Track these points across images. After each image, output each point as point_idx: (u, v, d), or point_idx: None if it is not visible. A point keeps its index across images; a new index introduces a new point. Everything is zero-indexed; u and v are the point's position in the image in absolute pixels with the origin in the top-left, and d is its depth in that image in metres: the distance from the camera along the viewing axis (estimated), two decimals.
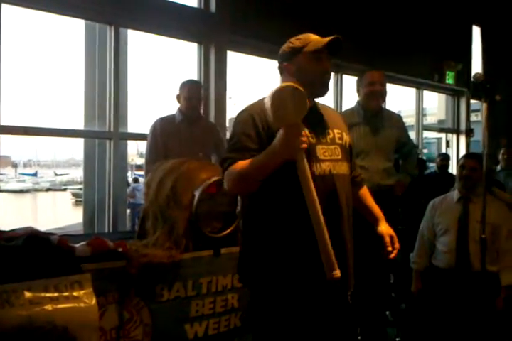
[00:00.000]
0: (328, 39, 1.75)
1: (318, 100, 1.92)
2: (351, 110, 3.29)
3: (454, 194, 3.03)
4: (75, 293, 1.83)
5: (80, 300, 1.83)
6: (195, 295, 2.41)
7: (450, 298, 2.87)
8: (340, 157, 1.81)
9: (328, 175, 1.75)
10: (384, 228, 1.95)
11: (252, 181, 1.64)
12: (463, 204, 2.93)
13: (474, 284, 2.76)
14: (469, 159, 3.00)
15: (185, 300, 2.37)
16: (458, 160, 7.78)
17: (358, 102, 3.28)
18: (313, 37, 1.82)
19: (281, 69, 1.88)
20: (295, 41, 1.83)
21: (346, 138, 1.89)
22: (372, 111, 3.20)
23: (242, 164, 1.63)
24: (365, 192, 2.07)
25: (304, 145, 1.57)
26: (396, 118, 3.42)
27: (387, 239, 1.91)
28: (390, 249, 1.90)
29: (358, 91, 3.29)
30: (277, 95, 1.56)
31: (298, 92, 1.57)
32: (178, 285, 2.34)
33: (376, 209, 2.03)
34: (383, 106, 3.39)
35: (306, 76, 1.78)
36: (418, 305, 3.25)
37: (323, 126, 1.83)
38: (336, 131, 1.85)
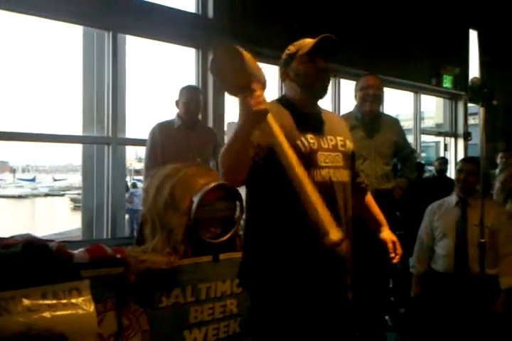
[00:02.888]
0: (316, 40, 1.76)
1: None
2: (349, 114, 3.30)
3: (452, 198, 3.03)
4: (73, 300, 1.82)
5: (79, 307, 1.82)
6: (194, 301, 2.40)
7: (449, 302, 2.87)
8: (341, 164, 1.81)
9: (328, 181, 1.75)
10: (387, 234, 1.97)
11: (235, 155, 1.55)
12: (461, 208, 2.94)
13: (473, 288, 2.75)
14: (467, 163, 3.01)
15: (184, 306, 2.36)
16: (456, 164, 7.83)
17: (356, 106, 3.30)
18: (308, 40, 1.82)
19: (282, 76, 1.90)
20: (291, 47, 1.85)
21: (349, 145, 1.88)
22: (369, 115, 3.21)
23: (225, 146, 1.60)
24: (369, 198, 2.08)
25: (260, 107, 1.45)
26: (393, 123, 3.44)
27: (390, 245, 1.93)
28: (392, 255, 1.92)
29: (355, 95, 3.31)
30: (213, 63, 1.48)
31: (233, 53, 1.44)
32: (176, 292, 2.33)
33: (379, 216, 2.05)
34: (381, 110, 3.40)
35: (302, 79, 1.79)
36: (417, 310, 3.24)
37: (326, 132, 1.82)
38: (339, 138, 1.85)
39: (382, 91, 3.30)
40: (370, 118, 3.22)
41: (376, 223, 2.02)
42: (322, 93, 1.85)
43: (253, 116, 1.46)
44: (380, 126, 3.24)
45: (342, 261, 1.77)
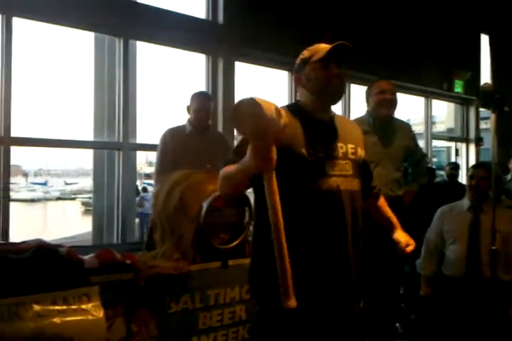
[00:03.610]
0: (330, 46, 1.75)
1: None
2: (360, 119, 3.28)
3: (464, 202, 3.01)
4: (83, 306, 1.83)
5: (88, 312, 1.83)
6: (202, 307, 2.40)
7: (461, 307, 2.84)
8: (350, 172, 1.78)
9: (336, 191, 1.72)
10: (400, 235, 1.96)
11: (230, 184, 1.65)
12: (473, 213, 2.91)
13: (485, 293, 2.73)
14: (478, 169, 2.99)
15: (192, 312, 2.37)
16: (467, 170, 7.77)
17: (368, 112, 3.28)
18: (322, 46, 1.81)
19: (295, 81, 1.89)
20: (305, 52, 1.84)
21: (361, 152, 1.85)
22: (382, 120, 3.20)
23: (228, 167, 1.64)
24: (382, 203, 2.06)
25: (270, 163, 1.45)
26: (406, 128, 3.42)
27: (403, 243, 1.91)
28: (403, 246, 1.91)
29: (367, 100, 3.30)
30: (233, 112, 1.49)
31: (254, 105, 1.43)
32: (185, 297, 2.34)
33: (393, 219, 2.03)
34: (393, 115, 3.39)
35: (314, 85, 1.78)
36: (428, 316, 3.22)
37: (336, 139, 1.80)
38: (349, 145, 1.82)
39: (396, 96, 3.30)
40: (382, 123, 3.20)
41: (390, 226, 2.01)
42: (334, 99, 1.83)
43: (260, 166, 1.46)
44: (393, 132, 3.23)
45: (349, 270, 1.75)
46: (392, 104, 3.22)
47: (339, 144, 1.79)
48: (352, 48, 1.76)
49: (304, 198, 1.68)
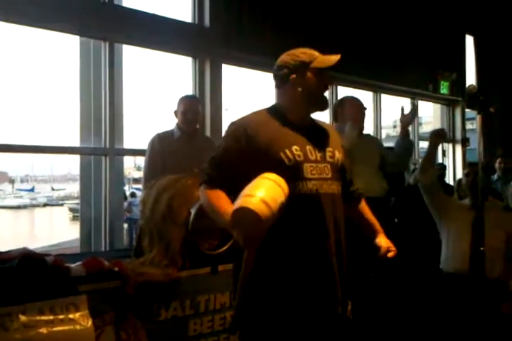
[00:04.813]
0: (335, 58, 1.80)
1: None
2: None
3: (466, 201, 3.04)
4: (70, 316, 1.80)
5: (76, 322, 1.80)
6: (192, 314, 2.37)
7: (461, 304, 2.84)
8: (329, 176, 1.79)
9: (315, 194, 1.73)
10: (382, 240, 1.95)
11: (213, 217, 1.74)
12: (476, 211, 2.88)
13: (487, 291, 2.74)
14: (474, 166, 3.01)
15: (182, 319, 2.34)
16: (454, 170, 7.83)
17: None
18: (316, 53, 1.85)
19: (283, 80, 1.84)
20: (301, 55, 1.83)
21: (338, 156, 1.86)
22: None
23: (210, 197, 1.74)
24: (363, 206, 2.05)
25: (254, 245, 1.54)
26: (372, 138, 3.60)
27: (384, 248, 1.90)
28: (384, 251, 1.89)
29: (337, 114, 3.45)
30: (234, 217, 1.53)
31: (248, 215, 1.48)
32: (175, 304, 2.31)
33: (375, 223, 2.02)
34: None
35: (311, 90, 1.81)
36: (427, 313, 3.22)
37: (314, 143, 1.80)
38: (327, 149, 1.84)
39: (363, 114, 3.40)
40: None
41: (372, 230, 2.00)
42: (323, 107, 1.89)
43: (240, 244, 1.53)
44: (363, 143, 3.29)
45: (332, 275, 1.75)
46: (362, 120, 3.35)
47: (317, 148, 1.80)
48: (340, 58, 1.81)
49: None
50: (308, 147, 1.77)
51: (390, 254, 1.89)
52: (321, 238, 1.74)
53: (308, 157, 1.75)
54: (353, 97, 3.48)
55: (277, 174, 1.62)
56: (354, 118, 3.28)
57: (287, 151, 1.72)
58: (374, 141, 3.61)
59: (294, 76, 1.81)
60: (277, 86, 1.88)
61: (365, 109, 3.41)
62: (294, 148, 1.73)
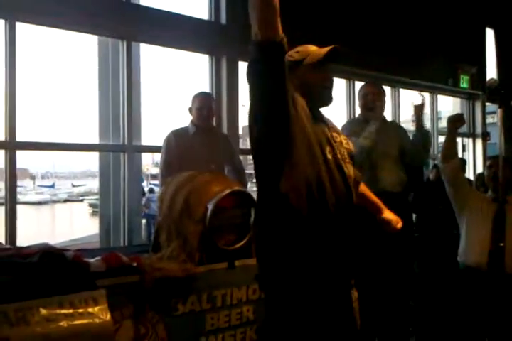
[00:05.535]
0: (325, 50, 1.79)
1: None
2: (353, 120, 3.38)
3: (488, 194, 3.00)
4: (89, 309, 1.83)
5: (95, 316, 1.83)
6: (210, 309, 2.40)
7: (477, 301, 2.80)
8: (348, 160, 1.86)
9: (342, 168, 1.80)
10: (388, 214, 2.06)
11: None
12: (498, 204, 2.85)
13: (506, 286, 2.70)
14: (496, 158, 2.96)
15: (200, 313, 2.36)
16: (474, 165, 7.71)
17: (360, 114, 3.43)
18: (312, 48, 1.86)
19: None
20: (294, 54, 1.85)
21: (351, 145, 1.96)
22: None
23: None
24: (364, 188, 2.15)
25: None
26: (394, 126, 3.49)
27: (393, 219, 2.03)
28: (394, 224, 2.01)
29: (359, 103, 3.42)
30: None
31: None
32: (192, 299, 2.33)
33: (378, 202, 2.13)
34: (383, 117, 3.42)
35: (308, 88, 1.81)
36: (439, 311, 3.20)
37: (330, 129, 1.87)
38: (342, 136, 1.92)
39: (383, 99, 3.35)
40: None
41: (375, 207, 2.10)
42: (325, 102, 1.89)
43: None
44: (384, 132, 3.25)
45: (346, 262, 1.80)
46: (377, 106, 3.27)
47: (334, 134, 1.87)
48: (342, 51, 1.80)
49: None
50: (329, 130, 1.88)
51: (398, 225, 2.01)
52: (347, 203, 1.80)
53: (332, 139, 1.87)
54: (368, 83, 3.45)
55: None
56: (363, 104, 3.29)
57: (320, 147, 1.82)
58: (395, 130, 3.43)
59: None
60: None
61: (382, 95, 3.34)
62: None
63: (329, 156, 1.74)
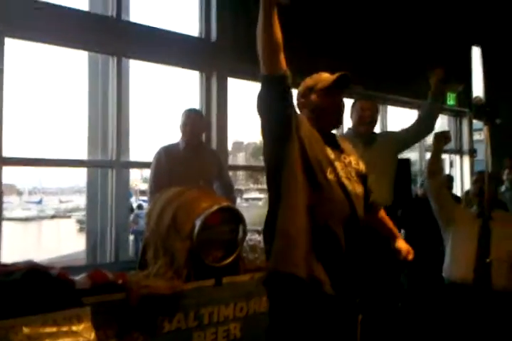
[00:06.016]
0: (334, 77, 1.95)
1: None
2: (344, 136, 3.38)
3: (473, 209, 3.01)
4: (74, 328, 1.80)
5: (79, 334, 1.80)
6: (196, 326, 2.37)
7: (464, 317, 2.80)
8: (355, 179, 1.97)
9: (344, 187, 1.90)
10: (401, 243, 2.14)
11: (266, 32, 1.85)
12: (483, 220, 2.85)
13: (495, 304, 2.71)
14: (482, 174, 2.99)
15: (186, 331, 2.34)
16: (461, 181, 7.78)
17: (349, 129, 3.45)
18: (324, 75, 2.03)
19: (298, 105, 2.08)
20: (308, 80, 2.06)
21: (362, 166, 2.07)
22: (363, 137, 3.29)
23: None
24: (383, 215, 2.26)
25: None
26: (384, 134, 3.58)
27: (404, 249, 2.10)
28: (405, 254, 2.09)
29: (350, 117, 3.42)
30: None
31: None
32: (179, 317, 2.31)
33: (394, 230, 2.23)
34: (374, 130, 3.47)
35: (320, 111, 1.98)
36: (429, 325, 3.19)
37: (340, 151, 2.01)
38: (352, 157, 2.04)
39: (376, 115, 3.41)
40: (364, 140, 3.28)
41: (391, 236, 2.19)
42: (334, 125, 2.05)
43: None
44: (375, 145, 3.28)
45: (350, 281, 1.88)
46: (372, 121, 3.35)
47: (343, 154, 2.01)
48: (351, 77, 1.96)
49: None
50: (337, 152, 2.01)
51: (410, 257, 2.09)
52: (353, 225, 1.91)
53: (338, 158, 1.99)
54: (365, 99, 3.49)
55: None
56: (358, 118, 3.32)
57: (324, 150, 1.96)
58: (387, 141, 3.41)
59: (302, 100, 2.04)
60: (299, 110, 2.09)
61: (372, 111, 3.37)
62: (328, 149, 1.98)
63: (330, 177, 1.87)
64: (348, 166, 1.98)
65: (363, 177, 2.05)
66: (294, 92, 1.98)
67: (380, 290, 3.02)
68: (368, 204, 2.09)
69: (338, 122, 2.06)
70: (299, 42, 5.06)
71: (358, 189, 1.96)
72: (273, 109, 1.84)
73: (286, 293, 1.80)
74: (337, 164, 1.92)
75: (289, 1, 1.77)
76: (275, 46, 1.84)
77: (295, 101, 2.03)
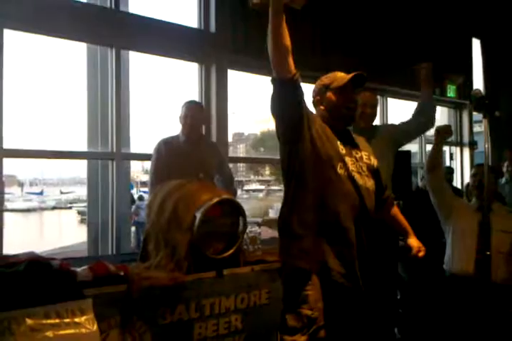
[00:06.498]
0: (350, 76, 2.04)
1: None
2: None
3: (473, 202, 3.02)
4: (76, 319, 1.81)
5: (82, 326, 1.82)
6: (198, 318, 2.39)
7: (464, 309, 2.83)
8: (366, 173, 2.05)
9: (354, 180, 1.99)
10: (413, 240, 2.22)
11: (275, 35, 1.96)
12: (483, 213, 2.87)
13: (495, 295, 2.72)
14: (481, 167, 2.99)
15: (188, 322, 2.35)
16: (462, 173, 7.79)
17: None
18: (340, 74, 2.12)
19: (314, 103, 2.16)
20: (324, 79, 2.14)
21: (374, 161, 2.14)
22: (363, 131, 3.26)
23: None
24: (396, 211, 2.33)
25: None
26: (382, 128, 3.54)
27: (416, 246, 2.18)
28: (416, 251, 2.17)
29: None
30: None
31: None
32: (180, 308, 2.32)
33: (407, 226, 2.30)
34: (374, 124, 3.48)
35: (334, 108, 2.07)
36: (427, 318, 3.21)
37: (353, 146, 2.09)
38: (364, 152, 2.12)
39: (375, 108, 3.41)
40: (364, 134, 3.26)
41: (404, 232, 2.27)
42: (347, 121, 2.14)
43: None
44: (375, 140, 3.28)
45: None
46: (372, 115, 3.36)
47: (355, 149, 2.11)
48: (366, 76, 2.06)
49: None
50: (349, 147, 2.11)
51: (420, 254, 2.16)
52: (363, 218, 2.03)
53: (349, 153, 2.10)
54: (367, 93, 3.42)
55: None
56: (359, 112, 3.23)
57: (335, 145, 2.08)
58: (387, 134, 3.38)
59: (318, 97, 2.14)
60: (313, 107, 2.18)
61: (372, 105, 3.35)
62: (339, 143, 2.09)
63: (340, 171, 1.96)
64: (360, 161, 2.05)
65: (374, 172, 2.11)
66: (307, 89, 2.08)
67: (380, 282, 3.04)
68: (381, 199, 2.16)
69: (351, 119, 2.13)
70: (299, 33, 5.05)
71: (368, 183, 2.03)
72: (285, 110, 1.94)
73: (300, 283, 1.92)
74: (347, 159, 2.00)
75: (301, 7, 1.82)
76: (284, 50, 1.91)
77: (310, 99, 2.12)
